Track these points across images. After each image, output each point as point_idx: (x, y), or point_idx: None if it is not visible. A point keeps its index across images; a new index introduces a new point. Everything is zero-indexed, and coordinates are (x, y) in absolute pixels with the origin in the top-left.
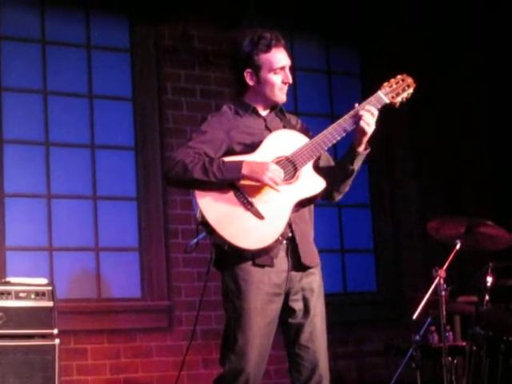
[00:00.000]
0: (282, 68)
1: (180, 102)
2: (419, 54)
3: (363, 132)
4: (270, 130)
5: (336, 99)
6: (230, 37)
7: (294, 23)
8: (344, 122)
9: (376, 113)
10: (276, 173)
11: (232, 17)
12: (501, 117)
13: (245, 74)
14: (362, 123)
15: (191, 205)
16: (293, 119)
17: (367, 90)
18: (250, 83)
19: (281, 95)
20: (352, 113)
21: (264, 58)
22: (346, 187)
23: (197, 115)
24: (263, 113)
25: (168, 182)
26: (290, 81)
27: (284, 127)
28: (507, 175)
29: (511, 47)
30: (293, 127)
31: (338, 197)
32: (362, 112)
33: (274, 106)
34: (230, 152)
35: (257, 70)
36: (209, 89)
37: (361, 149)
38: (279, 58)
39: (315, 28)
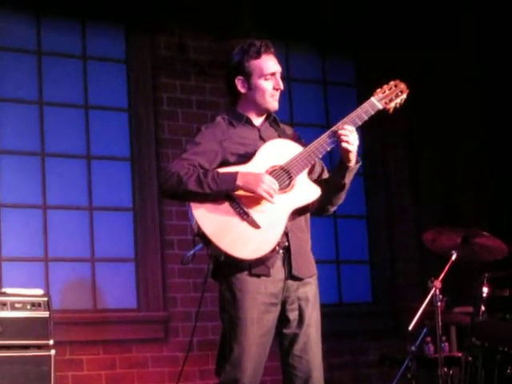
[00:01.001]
0: (273, 74)
1: (176, 113)
2: (415, 64)
3: (346, 150)
4: (264, 140)
5: (332, 109)
6: (225, 47)
7: (290, 33)
8: (327, 138)
9: (353, 130)
10: (271, 184)
11: (228, 27)
12: (498, 127)
13: (236, 81)
14: (343, 144)
15: (187, 215)
16: (287, 129)
17: (363, 100)
18: (242, 90)
19: (272, 102)
20: (329, 132)
21: (254, 64)
22: (340, 200)
23: (192, 126)
24: (257, 122)
25: (163, 194)
26: (281, 87)
27: (279, 137)
28: (503, 186)
29: (506, 53)
30: (287, 137)
31: (332, 209)
32: (340, 131)
33: (267, 116)
34: (225, 163)
35: (247, 76)
36: (204, 99)
37: (351, 164)
38: (269, 64)
39: (311, 38)
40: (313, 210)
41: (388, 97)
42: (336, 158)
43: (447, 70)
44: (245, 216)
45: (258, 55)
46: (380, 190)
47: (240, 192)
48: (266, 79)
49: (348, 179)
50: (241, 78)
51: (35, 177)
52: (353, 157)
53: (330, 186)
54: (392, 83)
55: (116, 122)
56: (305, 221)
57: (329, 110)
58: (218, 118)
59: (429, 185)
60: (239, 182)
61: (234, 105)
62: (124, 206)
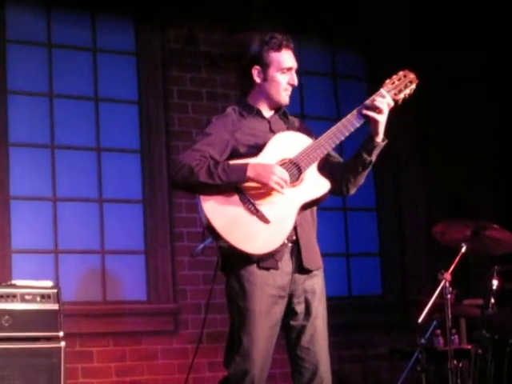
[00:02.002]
0: (289, 69)
1: (186, 105)
2: (424, 57)
3: (375, 120)
4: (273, 132)
5: (342, 102)
6: (235, 40)
7: (300, 26)
8: (352, 117)
9: (390, 100)
10: (282, 176)
11: (238, 20)
12: (508, 120)
13: (253, 70)
14: (371, 113)
15: (197, 208)
16: (296, 121)
17: (373, 93)
18: (257, 80)
19: (285, 96)
20: (361, 106)
21: (273, 56)
22: (362, 180)
23: (203, 118)
24: (267, 114)
25: (174, 186)
26: (296, 83)
27: (288, 129)
28: None
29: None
30: (296, 129)
31: (353, 190)
32: (374, 97)
33: (277, 109)
34: (235, 154)
35: (265, 67)
36: (215, 92)
37: (379, 139)
38: (288, 58)
39: (321, 31)
40: (323, 203)
41: (397, 88)
42: (347, 152)
43: (458, 64)
44: (254, 210)
45: (278, 48)
46: (390, 183)
47: (250, 184)
48: (282, 73)
49: (374, 156)
50: (258, 67)
51: (45, 169)
52: (382, 129)
53: (353, 165)
54: (401, 73)
55: (126, 114)
56: (311, 213)
57: (339, 102)
58: (229, 109)
59: (439, 178)
60: (250, 173)
61: (244, 96)
62: (134, 199)
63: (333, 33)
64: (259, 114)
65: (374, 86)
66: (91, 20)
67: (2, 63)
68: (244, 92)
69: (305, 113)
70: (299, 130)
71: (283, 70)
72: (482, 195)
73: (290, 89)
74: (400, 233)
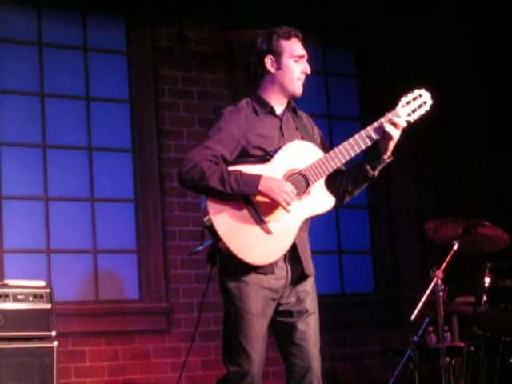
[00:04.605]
0: (301, 57)
1: (177, 104)
2: (416, 55)
3: (389, 137)
4: (282, 133)
5: (332, 100)
6: (226, 38)
7: (290, 24)
8: (365, 134)
9: (403, 121)
10: (292, 194)
11: (228, 18)
12: (499, 117)
13: (265, 60)
14: (390, 128)
15: (189, 207)
16: (304, 118)
17: (363, 91)
18: (271, 70)
19: (299, 86)
20: (375, 123)
21: (285, 44)
22: (358, 191)
23: (194, 117)
24: (279, 110)
25: (182, 184)
26: (309, 71)
27: (296, 129)
28: (505, 176)
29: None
30: (304, 127)
31: (347, 199)
32: (389, 115)
33: (287, 104)
34: (245, 154)
35: (278, 55)
36: (206, 90)
37: (386, 156)
38: (299, 46)
39: (311, 29)
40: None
41: (412, 107)
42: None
43: (448, 60)
44: (259, 221)
45: (288, 37)
46: (382, 181)
47: (259, 196)
48: (295, 61)
49: (377, 171)
50: (271, 56)
51: (37, 168)
52: (392, 147)
53: (355, 177)
54: (417, 92)
55: (117, 113)
56: (306, 220)
57: (329, 100)
58: (243, 102)
59: (431, 175)
60: (261, 188)
61: (257, 89)
62: (126, 198)
63: (323, 30)
64: (272, 111)
65: (365, 84)
66: (82, 19)
67: None
68: (255, 85)
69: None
70: (306, 126)
71: (295, 58)
72: (474, 193)
73: (303, 78)
74: (392, 230)
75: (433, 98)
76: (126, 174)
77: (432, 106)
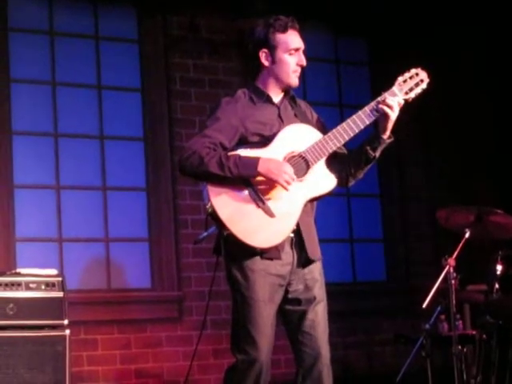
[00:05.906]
0: (297, 50)
1: (188, 93)
2: (427, 43)
3: (386, 116)
4: (282, 119)
5: (344, 88)
6: (237, 26)
7: (303, 12)
8: (363, 114)
9: (400, 99)
10: (291, 174)
11: (240, 6)
12: (508, 105)
13: (260, 53)
14: (385, 108)
15: (201, 195)
16: (302, 105)
17: (375, 79)
18: (265, 63)
19: (294, 78)
20: (373, 103)
21: (280, 37)
22: (362, 174)
23: (205, 105)
24: (276, 99)
25: (182, 172)
26: (304, 63)
27: (295, 116)
28: None
29: None
30: (303, 114)
31: (351, 182)
32: (386, 95)
33: (285, 93)
34: (244, 141)
35: (272, 49)
36: (217, 79)
37: (385, 136)
38: (295, 39)
39: (323, 17)
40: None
41: (409, 85)
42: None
43: (458, 48)
44: (260, 204)
45: (284, 29)
46: (393, 169)
47: (259, 178)
48: (290, 54)
49: (378, 153)
50: (265, 50)
51: (49, 157)
52: (390, 126)
53: (356, 158)
54: (413, 71)
55: (129, 102)
56: (311, 204)
57: (341, 88)
58: (239, 92)
59: (442, 163)
60: (260, 169)
61: (254, 79)
62: (137, 186)
63: (335, 19)
64: (269, 99)
65: (377, 72)
66: (93, 8)
67: (5, 52)
68: (253, 76)
69: (307, 99)
70: (306, 114)
71: (291, 51)
72: (486, 180)
73: (299, 70)
74: (404, 218)
75: (445, 85)
76: (138, 163)
77: (443, 95)
